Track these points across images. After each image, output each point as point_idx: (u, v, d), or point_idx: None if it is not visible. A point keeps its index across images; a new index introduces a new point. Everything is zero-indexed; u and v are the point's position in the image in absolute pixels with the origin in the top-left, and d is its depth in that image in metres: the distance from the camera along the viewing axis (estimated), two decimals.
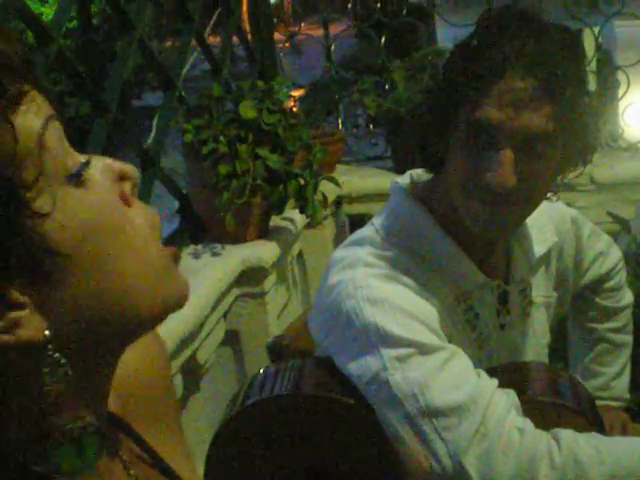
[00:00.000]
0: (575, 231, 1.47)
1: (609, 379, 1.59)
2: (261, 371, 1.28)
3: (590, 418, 1.22)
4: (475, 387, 1.12)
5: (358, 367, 1.15)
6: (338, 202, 3.12)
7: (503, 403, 1.12)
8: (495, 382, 1.16)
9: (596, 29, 3.32)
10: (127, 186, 0.60)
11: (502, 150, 1.13)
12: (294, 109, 2.45)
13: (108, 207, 0.57)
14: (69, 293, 0.54)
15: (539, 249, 1.37)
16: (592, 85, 1.23)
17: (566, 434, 1.13)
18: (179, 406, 0.80)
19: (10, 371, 0.52)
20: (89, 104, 2.06)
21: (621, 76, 3.30)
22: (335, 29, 3.76)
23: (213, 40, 3.08)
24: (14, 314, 0.52)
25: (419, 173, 1.35)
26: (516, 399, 1.15)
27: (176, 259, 0.62)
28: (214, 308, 1.99)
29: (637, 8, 3.23)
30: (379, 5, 3.53)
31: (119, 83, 2.11)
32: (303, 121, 2.27)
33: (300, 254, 2.80)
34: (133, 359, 0.67)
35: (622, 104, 3.29)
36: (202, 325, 1.90)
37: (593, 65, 3.21)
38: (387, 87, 3.16)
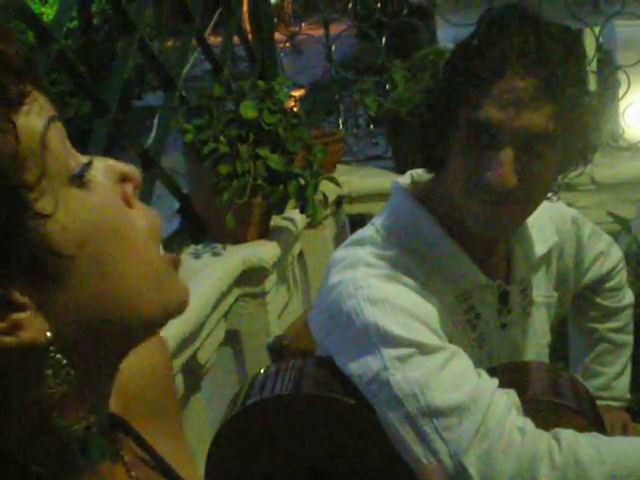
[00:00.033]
0: (576, 231, 1.47)
1: (610, 379, 1.59)
2: (262, 371, 1.28)
3: (591, 418, 1.22)
4: (476, 387, 1.12)
5: (359, 367, 1.15)
6: (338, 202, 3.12)
7: (504, 403, 1.12)
8: (495, 382, 1.16)
9: (597, 29, 3.32)
10: (129, 187, 0.60)
11: (502, 150, 1.13)
12: (294, 109, 2.44)
13: (110, 208, 0.56)
14: (70, 294, 0.54)
15: (540, 249, 1.37)
16: (592, 85, 1.23)
17: (567, 434, 1.13)
18: (180, 406, 0.80)
19: (12, 373, 0.52)
20: (90, 104, 2.06)
21: (622, 76, 3.30)
22: (335, 29, 3.76)
23: (214, 40, 3.08)
24: (15, 316, 0.51)
25: (420, 173, 1.35)
26: (517, 399, 1.15)
27: (176, 265, 0.62)
28: (215, 308, 1.99)
29: (638, 8, 3.22)
30: (379, 5, 3.54)
31: (120, 83, 2.11)
32: (304, 121, 2.27)
33: (301, 254, 2.80)
34: (135, 359, 0.67)
35: (623, 104, 3.29)
36: (203, 325, 1.90)
37: (594, 65, 3.20)
38: (387, 87, 3.15)
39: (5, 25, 0.53)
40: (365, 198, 3.12)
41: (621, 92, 3.29)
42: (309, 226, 2.62)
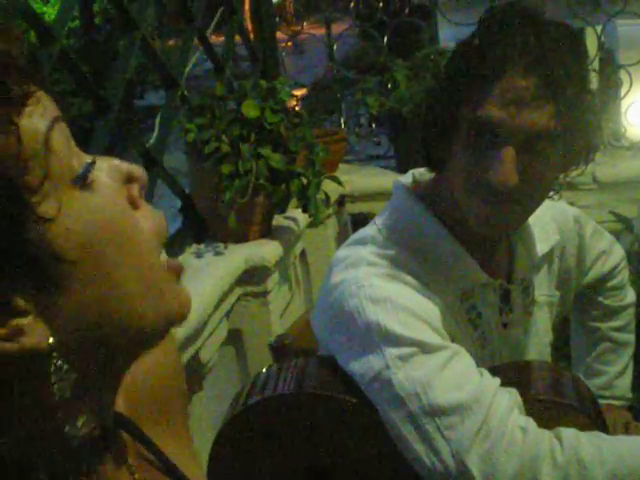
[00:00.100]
0: (578, 230, 1.47)
1: (612, 378, 1.59)
2: (264, 370, 1.28)
3: (593, 417, 1.22)
4: (478, 386, 1.12)
5: (361, 366, 1.16)
6: (340, 201, 3.12)
7: (505, 402, 1.12)
8: (497, 381, 1.16)
9: (598, 28, 3.32)
10: (135, 188, 0.58)
11: (504, 148, 1.13)
12: (296, 108, 2.44)
13: (114, 211, 0.55)
14: (73, 300, 0.53)
15: (542, 248, 1.37)
16: (594, 84, 1.23)
17: (568, 433, 1.13)
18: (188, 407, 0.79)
19: (13, 378, 0.52)
20: (91, 103, 2.05)
21: (623, 75, 3.30)
22: (337, 28, 3.76)
23: (215, 39, 3.07)
24: (16, 321, 0.50)
25: (421, 172, 1.35)
26: (518, 398, 1.15)
27: (178, 273, 0.61)
28: (217, 307, 1.99)
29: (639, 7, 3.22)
30: (381, 4, 3.54)
31: (122, 82, 2.11)
32: (306, 120, 2.27)
33: (303, 253, 2.80)
34: (146, 358, 0.66)
35: (624, 103, 3.29)
36: (205, 324, 1.90)
37: (595, 64, 3.20)
38: (389, 86, 3.15)
39: (9, 24, 0.53)
40: (367, 197, 3.12)
41: (623, 91, 3.29)
42: (311, 225, 2.61)
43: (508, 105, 1.11)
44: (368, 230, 1.30)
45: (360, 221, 2.96)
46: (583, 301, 1.59)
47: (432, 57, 3.05)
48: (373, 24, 3.57)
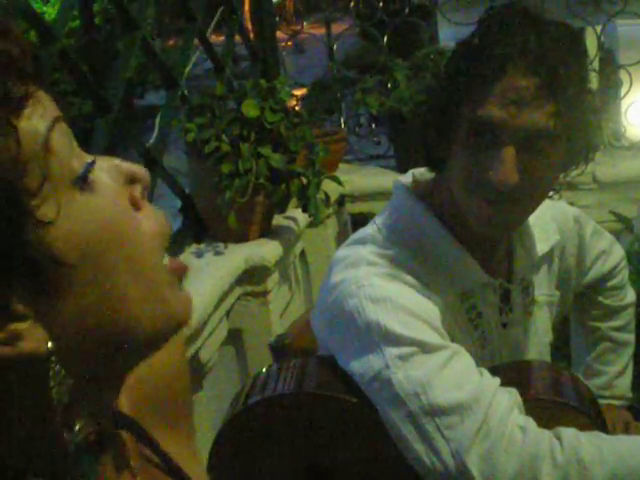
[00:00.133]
0: (578, 230, 1.47)
1: (612, 378, 1.59)
2: (264, 370, 1.28)
3: (592, 417, 1.22)
4: (477, 386, 1.12)
5: (360, 366, 1.16)
6: (340, 201, 3.12)
7: (505, 402, 1.12)
8: (497, 381, 1.16)
9: (598, 28, 3.32)
10: (137, 189, 0.57)
11: (504, 148, 1.13)
12: (296, 108, 2.44)
13: (115, 212, 0.54)
14: (72, 304, 0.52)
15: (542, 248, 1.37)
16: (594, 84, 1.23)
17: (568, 433, 1.13)
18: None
19: (11, 383, 0.51)
20: (91, 103, 2.06)
21: (623, 75, 3.30)
22: (337, 28, 3.76)
23: (215, 39, 3.07)
24: (15, 326, 0.50)
25: (421, 172, 1.35)
26: (518, 398, 1.16)
27: (180, 275, 0.60)
28: (217, 307, 1.99)
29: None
30: (381, 4, 3.53)
31: (122, 82, 2.11)
32: (305, 120, 2.27)
33: (303, 253, 2.80)
34: (150, 358, 0.66)
35: (625, 103, 3.29)
36: (205, 324, 1.90)
37: (595, 64, 3.20)
38: (389, 86, 3.15)
39: (9, 24, 0.52)
40: (367, 197, 3.12)
41: (623, 91, 3.29)
42: (311, 225, 2.61)
43: (508, 105, 1.11)
44: (368, 230, 1.30)
45: (360, 221, 2.96)
46: (583, 301, 1.59)
47: (432, 57, 3.05)
48: (373, 24, 3.57)
